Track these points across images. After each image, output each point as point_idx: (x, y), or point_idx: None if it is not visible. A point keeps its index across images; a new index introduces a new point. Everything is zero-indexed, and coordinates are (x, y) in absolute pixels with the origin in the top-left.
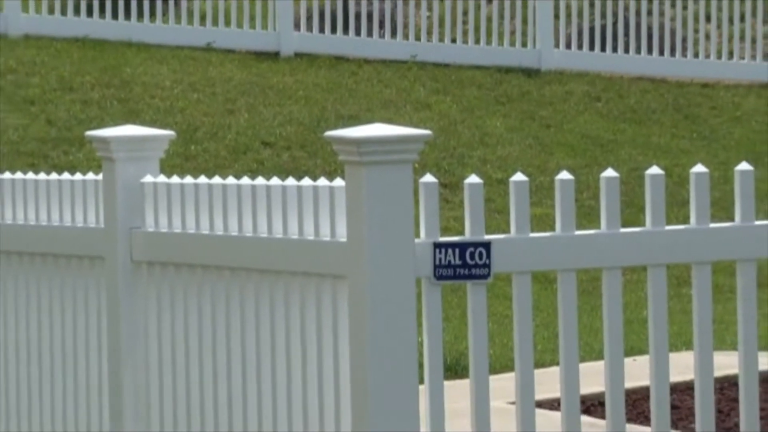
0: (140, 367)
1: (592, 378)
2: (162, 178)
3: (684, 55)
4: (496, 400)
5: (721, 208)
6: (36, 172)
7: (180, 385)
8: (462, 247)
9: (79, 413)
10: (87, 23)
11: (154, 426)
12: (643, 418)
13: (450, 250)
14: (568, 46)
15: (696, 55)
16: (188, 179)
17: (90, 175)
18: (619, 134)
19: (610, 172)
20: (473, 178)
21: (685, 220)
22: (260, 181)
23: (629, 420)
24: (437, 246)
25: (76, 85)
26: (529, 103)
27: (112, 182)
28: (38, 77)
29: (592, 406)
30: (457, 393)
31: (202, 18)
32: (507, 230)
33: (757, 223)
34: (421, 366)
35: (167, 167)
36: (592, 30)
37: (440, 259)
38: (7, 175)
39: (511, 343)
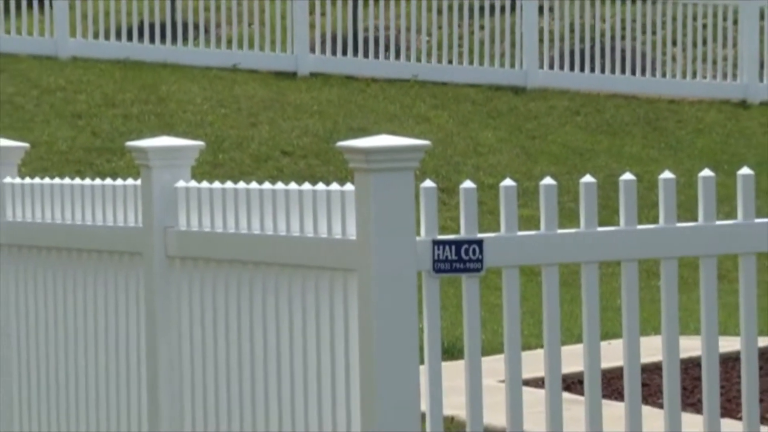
0: (174, 350)
1: (572, 359)
2: (193, 183)
3: (653, 75)
4: (488, 378)
5: (686, 210)
6: (82, 178)
7: (209, 366)
8: (458, 244)
9: (120, 392)
10: (127, 47)
11: (186, 404)
12: (617, 395)
13: (447, 247)
14: (551, 66)
15: (664, 74)
16: (216, 184)
17: (130, 181)
18: (596, 145)
19: (588, 178)
20: (467, 184)
21: (655, 220)
22: (280, 186)
23: (605, 396)
24: (436, 243)
25: (118, 102)
26: (516, 117)
27: (149, 187)
28: (84, 94)
29: (572, 383)
30: (454, 373)
31: (229, 42)
32: (497, 229)
33: (718, 223)
34: (421, 349)
35: (197, 174)
36: (572, 53)
37: (438, 255)
38: (57, 180)
39: (501, 329)
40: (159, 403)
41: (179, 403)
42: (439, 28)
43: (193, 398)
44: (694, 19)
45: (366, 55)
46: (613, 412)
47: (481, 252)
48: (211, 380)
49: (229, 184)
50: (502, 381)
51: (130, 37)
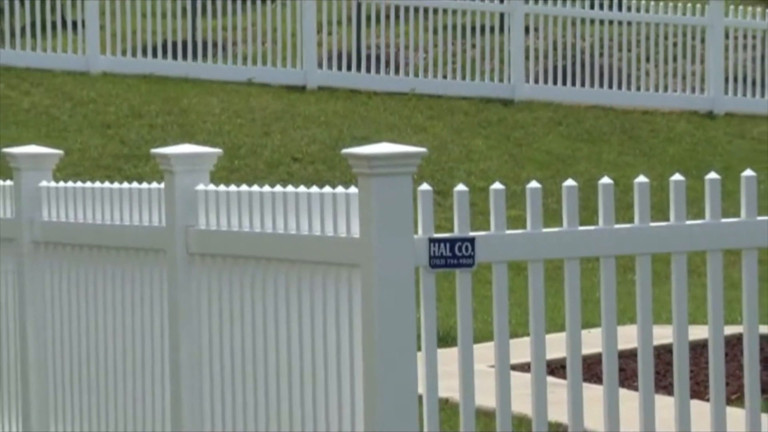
0: (194, 340)
1: (556, 346)
2: (212, 187)
3: (629, 88)
4: (479, 363)
5: (659, 211)
6: (111, 182)
7: (226, 353)
8: (452, 241)
9: (145, 380)
10: (153, 63)
11: (205, 389)
12: (596, 378)
13: (442, 245)
14: (536, 81)
15: (638, 88)
16: (233, 187)
17: (154, 185)
18: (576, 152)
19: (570, 182)
20: (460, 187)
21: (630, 220)
22: (290, 189)
23: (585, 380)
24: (432, 241)
25: (144, 113)
26: (505, 127)
27: (172, 190)
28: (114, 106)
29: (556, 368)
30: (448, 358)
31: (244, 59)
32: (488, 228)
33: (688, 222)
34: (418, 337)
35: (216, 178)
36: (555, 68)
37: (434, 252)
38: (88, 184)
39: (491, 319)
40: (180, 389)
41: (199, 388)
42: (435, 46)
43: (212, 383)
44: (666, 38)
45: (368, 70)
46: (593, 394)
47: (473, 249)
48: (228, 366)
49: (244, 188)
50: (492, 366)
51: (155, 55)
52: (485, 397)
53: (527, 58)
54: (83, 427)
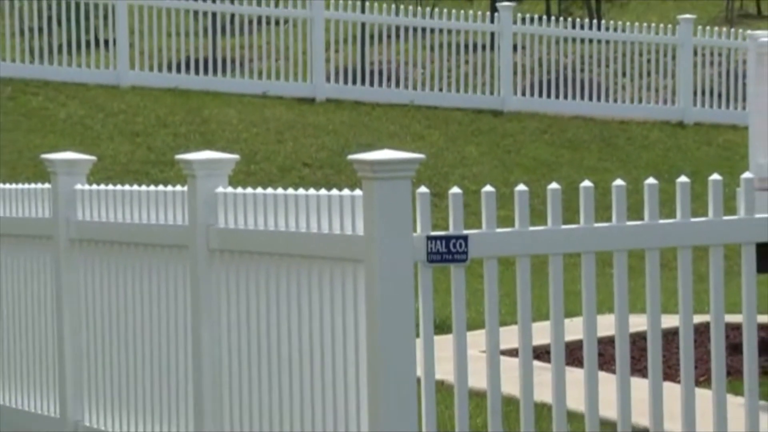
0: (214, 328)
1: (541, 333)
2: (230, 189)
3: (607, 100)
4: (471, 349)
5: (634, 212)
6: (139, 185)
7: (243, 340)
8: (447, 239)
9: (170, 364)
10: (177, 77)
11: (224, 374)
12: (577, 363)
13: (438, 242)
14: (524, 94)
15: (615, 100)
16: (249, 190)
17: (178, 187)
18: (560, 158)
19: (554, 185)
20: (455, 190)
21: (608, 219)
22: (301, 191)
23: (567, 364)
24: (429, 238)
25: (169, 122)
26: (495, 135)
27: (194, 192)
28: (141, 116)
29: (541, 354)
30: (443, 345)
31: (259, 74)
32: (480, 227)
33: (661, 222)
34: (417, 325)
35: (233, 181)
36: (540, 82)
37: (431, 248)
38: (119, 187)
39: (482, 309)
40: (202, 371)
41: (219, 370)
42: (432, 62)
43: (230, 365)
44: (640, 55)
45: (372, 84)
46: (575, 377)
47: (466, 245)
48: (245, 350)
49: (259, 190)
50: (483, 351)
51: (178, 70)
52: (477, 379)
53: (515, 73)
54: (114, 406)
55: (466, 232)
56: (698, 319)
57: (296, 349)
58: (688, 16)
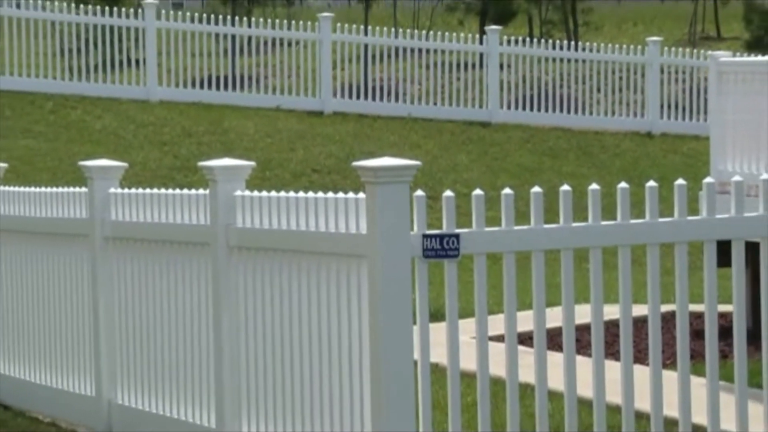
0: (233, 318)
1: (525, 321)
2: (247, 193)
3: (583, 113)
4: (463, 335)
5: (608, 213)
6: (166, 189)
7: (259, 328)
8: (441, 237)
9: (194, 349)
10: (200, 93)
11: (242, 359)
12: (557, 347)
13: (433, 239)
14: (509, 107)
15: (591, 113)
16: (264, 193)
17: (201, 191)
18: (541, 165)
19: (536, 189)
20: (448, 193)
21: (585, 220)
22: (311, 194)
23: (548, 348)
24: (425, 236)
25: (193, 133)
26: (483, 145)
27: (215, 195)
28: (168, 128)
29: (525, 339)
30: (437, 331)
31: (273, 90)
32: (470, 226)
33: (632, 222)
34: (414, 313)
35: (250, 185)
36: (524, 97)
37: (427, 245)
38: (148, 190)
39: (473, 299)
40: (222, 355)
41: (237, 354)
42: (427, 79)
43: (247, 350)
44: (613, 73)
45: (374, 99)
46: (555, 360)
47: (458, 243)
48: (260, 336)
49: (274, 194)
50: (474, 337)
51: (202, 86)
52: (468, 362)
53: (501, 89)
54: (144, 386)
55: (458, 230)
56: (665, 308)
57: (306, 333)
58: (655, 38)
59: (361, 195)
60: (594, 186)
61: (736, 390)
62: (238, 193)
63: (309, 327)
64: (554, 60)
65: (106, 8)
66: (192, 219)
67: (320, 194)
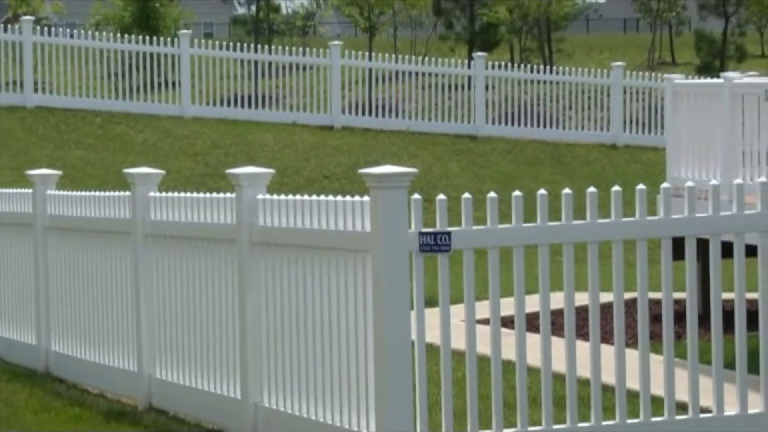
0: (256, 303)
1: (507, 307)
2: (268, 196)
3: (557, 127)
4: (454, 319)
5: (579, 214)
6: (198, 193)
7: (277, 314)
8: (435, 234)
9: (222, 335)
10: (228, 110)
11: (263, 342)
12: (535, 329)
13: (428, 236)
14: (494, 122)
15: (564, 128)
16: (282, 197)
17: (228, 195)
18: (521, 172)
19: (517, 193)
20: (441, 196)
21: (559, 219)
22: (322, 198)
23: (527, 330)
24: (421, 234)
25: (221, 144)
26: (471, 155)
27: (240, 198)
28: (200, 140)
29: (507, 322)
30: (432, 315)
31: (290, 107)
32: (460, 225)
33: (599, 221)
34: (411, 300)
35: (270, 190)
36: (507, 114)
37: (423, 241)
38: (183, 194)
39: (462, 287)
40: (246, 339)
41: (259, 337)
42: (423, 98)
43: (268, 333)
44: (582, 93)
45: (377, 115)
46: (533, 340)
47: (449, 239)
48: (279, 321)
49: (290, 197)
50: (463, 320)
51: (229, 104)
52: (458, 342)
53: (487, 107)
54: (178, 362)
55: (449, 229)
56: (628, 295)
57: (318, 316)
58: (619, 63)
59: (366, 198)
60: (566, 190)
61: (689, 366)
62: (260, 196)
63: (321, 311)
64: (532, 82)
65: (147, 38)
66: (220, 219)
67: (330, 197)
